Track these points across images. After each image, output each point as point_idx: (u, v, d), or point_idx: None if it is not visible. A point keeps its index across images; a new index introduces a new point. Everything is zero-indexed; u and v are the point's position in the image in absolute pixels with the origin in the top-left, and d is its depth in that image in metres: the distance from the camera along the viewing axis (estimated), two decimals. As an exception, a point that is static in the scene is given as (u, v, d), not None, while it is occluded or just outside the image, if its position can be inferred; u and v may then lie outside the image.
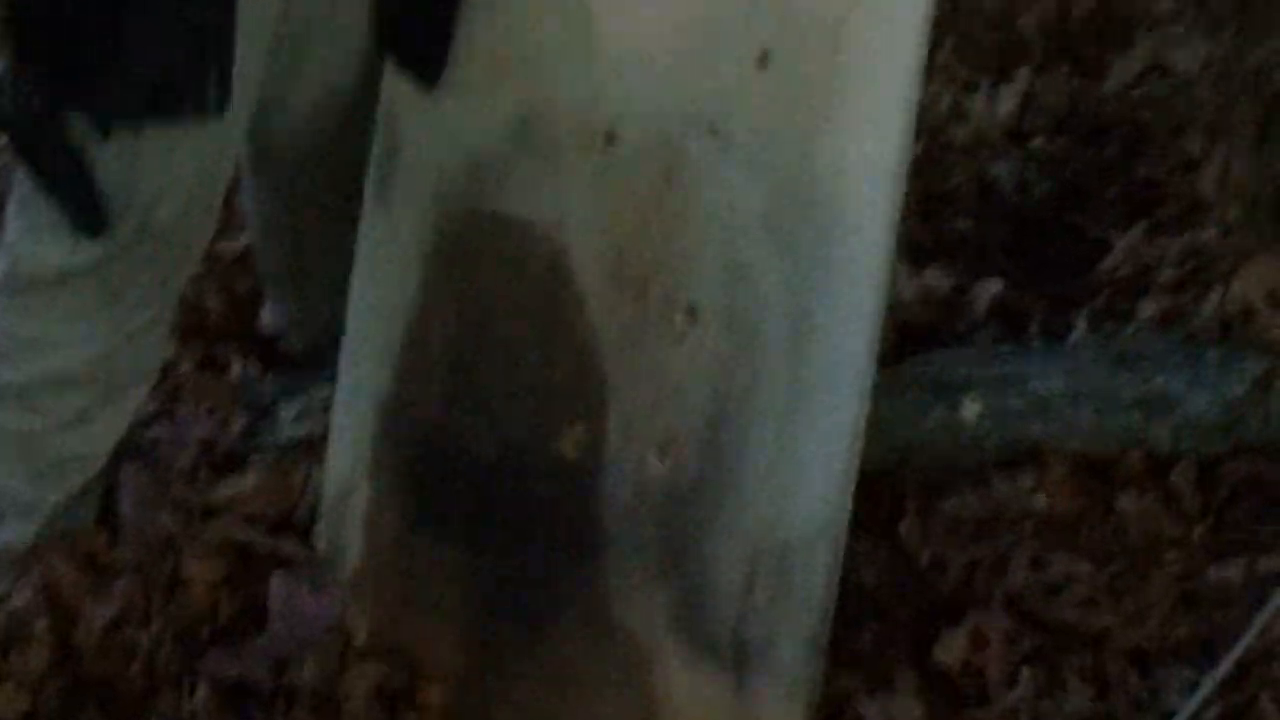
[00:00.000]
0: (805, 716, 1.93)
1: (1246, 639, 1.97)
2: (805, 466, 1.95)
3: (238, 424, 2.34)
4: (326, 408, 2.22)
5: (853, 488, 1.94)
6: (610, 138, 2.02)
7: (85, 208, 1.95)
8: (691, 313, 1.98)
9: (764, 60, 1.95)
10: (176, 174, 2.00)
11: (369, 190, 2.14)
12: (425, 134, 2.10)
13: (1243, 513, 2.17)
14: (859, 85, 1.92)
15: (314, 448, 2.25)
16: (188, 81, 1.91)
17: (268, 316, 2.54)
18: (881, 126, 1.92)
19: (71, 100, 1.91)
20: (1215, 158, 2.54)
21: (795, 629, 1.94)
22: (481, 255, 2.08)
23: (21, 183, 2.01)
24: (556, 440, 2.05)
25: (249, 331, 2.51)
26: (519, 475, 2.07)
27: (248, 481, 2.29)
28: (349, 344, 2.16)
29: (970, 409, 2.22)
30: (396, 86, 2.11)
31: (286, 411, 2.36)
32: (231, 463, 2.33)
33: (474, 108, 2.07)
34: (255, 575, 2.16)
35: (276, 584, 2.13)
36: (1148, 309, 2.36)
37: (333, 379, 2.20)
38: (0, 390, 2.09)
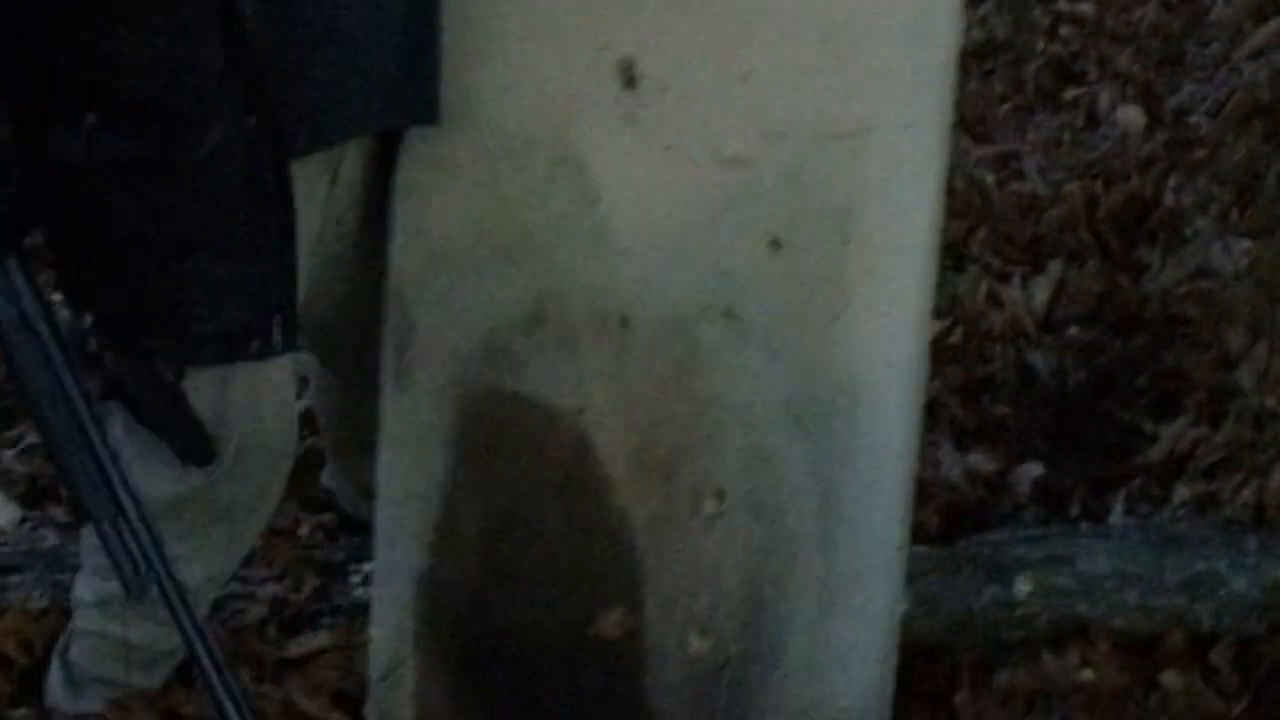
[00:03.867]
0: None
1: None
2: (845, 650, 1.97)
3: (309, 585, 2.37)
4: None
5: (894, 669, 1.96)
6: (625, 321, 2.00)
7: (191, 443, 2.00)
8: (720, 498, 1.98)
9: (775, 246, 1.92)
10: (260, 391, 2.05)
11: (386, 372, 2.13)
12: (439, 317, 2.08)
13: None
14: (871, 272, 1.90)
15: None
16: (253, 332, 1.95)
17: (328, 478, 2.57)
18: (899, 313, 1.90)
19: (144, 352, 1.95)
20: (1256, 353, 2.63)
21: (846, 810, 1.97)
22: (505, 438, 2.08)
23: (124, 412, 2.03)
24: (597, 621, 2.06)
25: (312, 492, 2.52)
26: (562, 655, 2.09)
27: (318, 640, 2.32)
28: (382, 524, 2.17)
29: (1022, 588, 2.26)
30: (403, 268, 2.09)
31: (356, 574, 2.40)
32: (302, 622, 2.37)
33: (486, 291, 2.05)
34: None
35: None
36: (1183, 493, 2.44)
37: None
38: None
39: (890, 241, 1.89)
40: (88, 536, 2.12)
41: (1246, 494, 2.38)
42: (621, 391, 2.01)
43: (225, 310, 1.91)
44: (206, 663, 1.95)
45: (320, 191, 2.01)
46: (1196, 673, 2.10)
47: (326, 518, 2.57)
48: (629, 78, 1.95)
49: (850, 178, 1.89)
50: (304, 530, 2.46)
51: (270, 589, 2.41)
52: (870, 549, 1.94)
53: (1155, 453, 2.49)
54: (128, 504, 1.92)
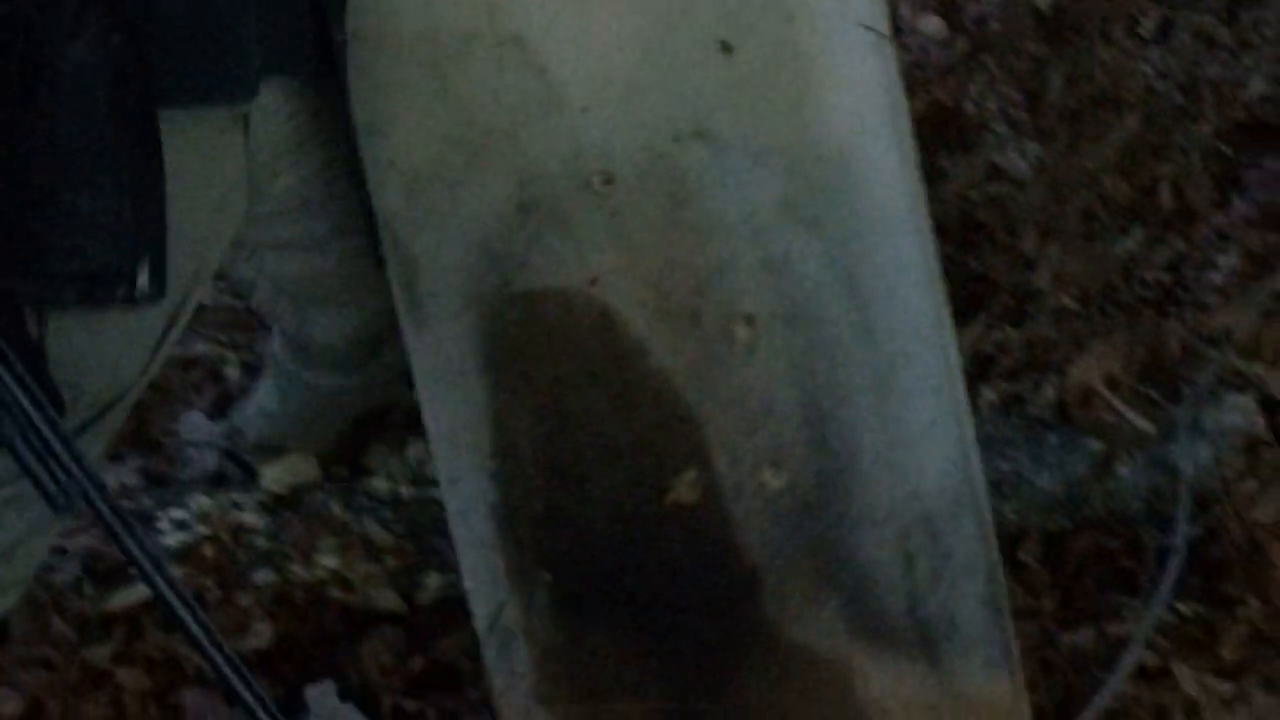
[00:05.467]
0: (1011, 683, 1.85)
1: (1100, 699, 2.10)
2: (915, 434, 1.87)
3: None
4: (205, 515, 2.25)
5: (974, 445, 1.85)
6: (608, 178, 1.94)
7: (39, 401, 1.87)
8: (750, 322, 1.91)
9: (727, 50, 1.86)
10: (130, 343, 1.98)
11: (401, 313, 2.08)
12: (433, 241, 2.04)
13: (1089, 583, 2.28)
14: (827, 47, 1.83)
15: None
16: (120, 276, 1.85)
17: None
18: (865, 78, 1.83)
19: (6, 284, 1.86)
20: (1050, 253, 2.66)
21: (968, 596, 1.87)
22: (530, 338, 2.02)
23: None
24: (672, 491, 1.98)
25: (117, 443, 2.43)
26: (649, 536, 2.01)
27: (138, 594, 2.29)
28: (442, 464, 2.11)
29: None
30: (386, 203, 2.05)
31: (165, 522, 2.37)
32: (116, 576, 2.34)
33: (469, 198, 2.01)
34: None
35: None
36: (988, 395, 2.42)
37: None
38: None
39: (837, 9, 1.81)
40: None
41: (1049, 392, 2.39)
42: (625, 249, 1.95)
43: (89, 248, 1.81)
44: (150, 570, 1.85)
45: (235, 141, 1.95)
46: (1005, 570, 1.98)
47: (135, 465, 2.53)
48: (543, -70, 1.91)
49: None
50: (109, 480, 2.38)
51: (81, 540, 2.36)
52: (910, 323, 1.85)
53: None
54: (38, 419, 1.82)
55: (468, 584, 2.13)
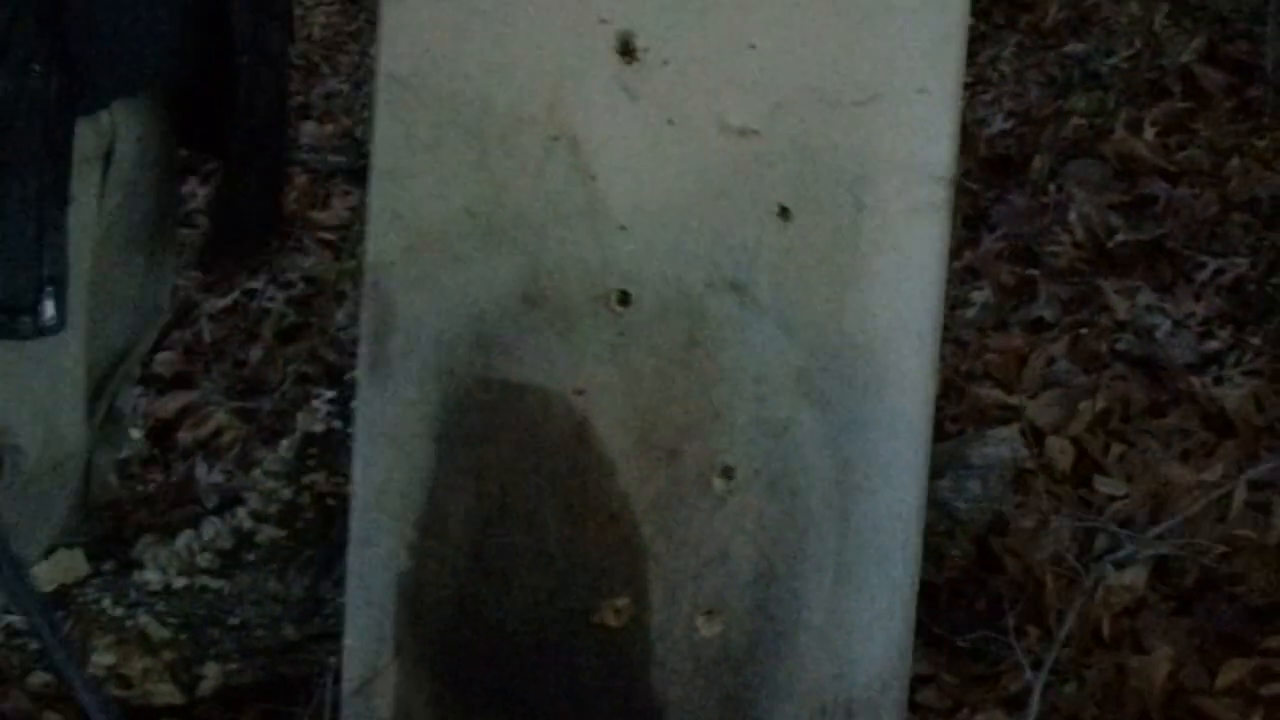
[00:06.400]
0: None
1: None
2: (861, 624, 1.94)
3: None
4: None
5: (911, 641, 1.94)
6: (625, 298, 1.96)
7: None
8: (729, 475, 1.95)
9: (785, 216, 1.91)
10: (51, 388, 1.98)
11: (362, 362, 2.04)
12: (422, 303, 2.01)
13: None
14: (885, 240, 1.90)
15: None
16: (23, 307, 1.87)
17: None
18: (913, 280, 1.90)
19: None
20: None
21: (870, 788, 1.94)
22: (497, 425, 2.01)
23: None
24: (597, 611, 2.00)
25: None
26: (561, 649, 2.02)
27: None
28: (358, 522, 2.07)
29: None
30: (380, 253, 2.01)
31: None
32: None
33: (475, 274, 1.99)
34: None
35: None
36: None
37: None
38: None
39: (903, 208, 1.89)
40: None
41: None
42: (623, 371, 1.97)
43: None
44: (47, 635, 1.84)
45: (95, 169, 1.97)
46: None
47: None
48: (628, 51, 1.92)
49: (861, 144, 1.89)
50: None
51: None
52: (888, 520, 1.93)
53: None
54: None
55: (348, 640, 2.09)
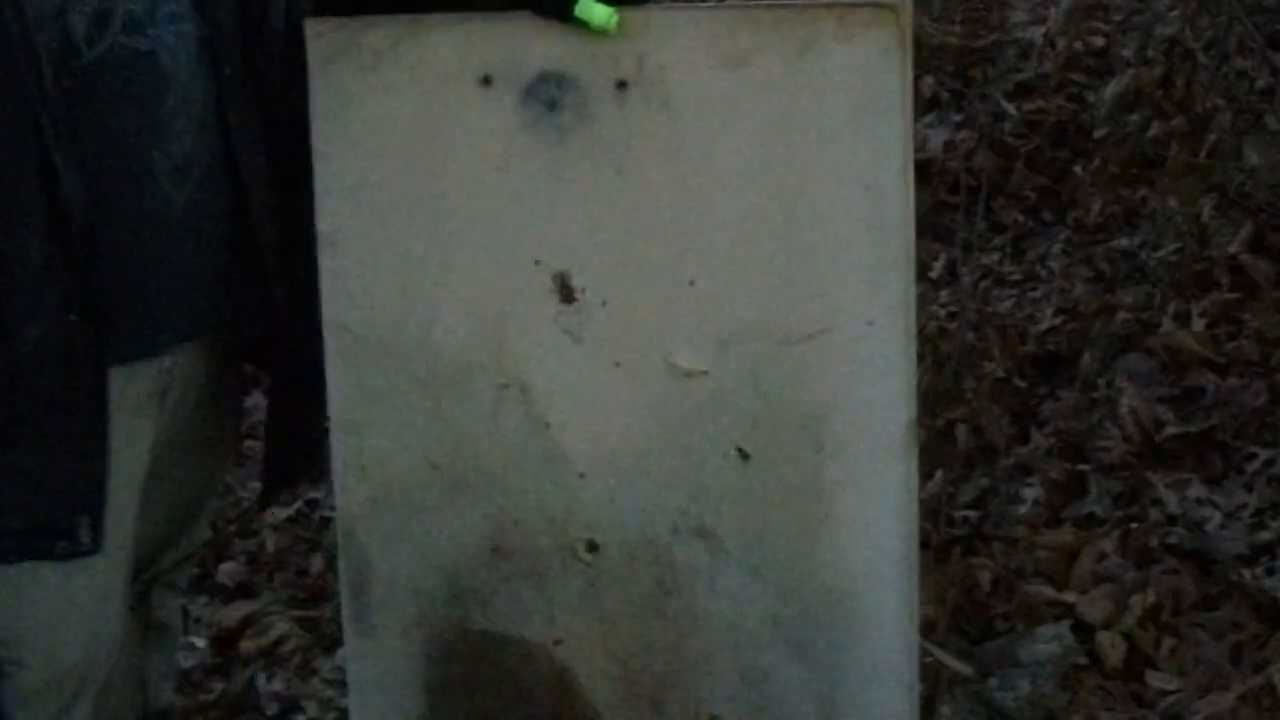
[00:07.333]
0: None
1: None
2: None
3: None
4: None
5: None
6: (592, 546, 1.88)
7: None
8: (716, 723, 1.87)
9: (744, 457, 1.81)
10: (64, 612, 1.95)
11: (346, 614, 2.00)
12: (394, 556, 1.95)
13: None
14: (849, 479, 1.79)
15: None
16: (59, 531, 1.89)
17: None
18: (882, 519, 1.79)
19: None
20: None
21: None
22: (480, 676, 1.95)
23: None
24: None
25: None
26: None
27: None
28: (354, 774, 2.04)
29: None
30: (349, 508, 1.96)
31: None
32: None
33: (442, 526, 1.93)
34: None
35: None
36: None
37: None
38: None
39: (865, 447, 1.77)
40: None
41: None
42: (598, 619, 1.89)
43: (33, 503, 1.85)
44: None
45: (154, 404, 1.96)
46: None
47: None
48: (566, 292, 1.83)
49: (813, 382, 1.78)
50: None
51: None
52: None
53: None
54: None
55: None
